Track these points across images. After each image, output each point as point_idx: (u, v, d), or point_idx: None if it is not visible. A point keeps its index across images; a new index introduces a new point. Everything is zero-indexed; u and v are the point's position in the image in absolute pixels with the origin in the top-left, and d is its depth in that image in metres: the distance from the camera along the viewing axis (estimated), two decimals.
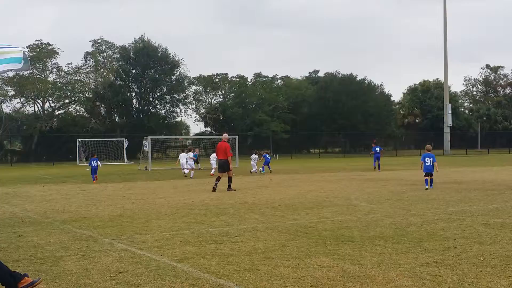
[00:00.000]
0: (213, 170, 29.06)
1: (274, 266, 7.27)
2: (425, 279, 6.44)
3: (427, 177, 19.21)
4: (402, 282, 6.32)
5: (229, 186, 19.72)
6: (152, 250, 8.53)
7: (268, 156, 33.81)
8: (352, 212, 12.80)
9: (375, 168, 33.44)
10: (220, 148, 19.84)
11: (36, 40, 70.82)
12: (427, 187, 18.93)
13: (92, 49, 73.25)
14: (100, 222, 11.87)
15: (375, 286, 6.19)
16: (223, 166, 19.70)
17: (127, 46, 75.26)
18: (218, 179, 19.90)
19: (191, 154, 31.19)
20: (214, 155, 29.54)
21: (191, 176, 28.92)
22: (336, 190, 19.17)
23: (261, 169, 32.91)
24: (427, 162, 19.26)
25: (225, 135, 20.67)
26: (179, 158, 32.65)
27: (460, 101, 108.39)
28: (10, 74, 62.42)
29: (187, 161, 30.44)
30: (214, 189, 19.36)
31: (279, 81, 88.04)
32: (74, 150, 55.22)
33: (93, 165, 26.68)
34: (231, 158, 20.07)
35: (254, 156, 33.40)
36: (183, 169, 30.59)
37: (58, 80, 71.11)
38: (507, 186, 19.58)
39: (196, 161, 33.32)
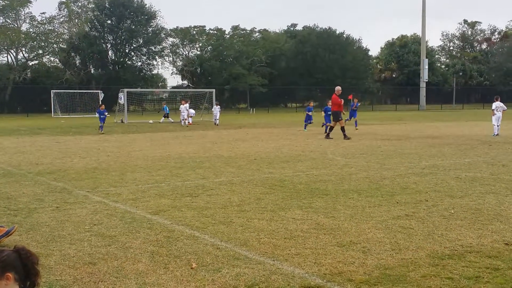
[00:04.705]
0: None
1: (249, 219, 7.34)
2: (396, 232, 6.57)
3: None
4: (374, 234, 6.44)
5: (328, 134, 22.19)
6: (127, 203, 8.54)
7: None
8: (327, 166, 12.91)
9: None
10: (333, 100, 22.46)
11: None
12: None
13: None
14: (75, 174, 11.81)
15: (347, 238, 6.30)
16: (335, 116, 22.26)
17: None
18: (331, 129, 22.38)
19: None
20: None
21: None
22: (312, 144, 19.29)
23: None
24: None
25: (338, 88, 22.48)
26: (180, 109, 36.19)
27: (436, 56, 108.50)
28: None
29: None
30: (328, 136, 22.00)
31: (257, 34, 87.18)
32: (49, 101, 54.47)
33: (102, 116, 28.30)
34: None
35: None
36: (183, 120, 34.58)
37: (31, 30, 69.53)
38: (479, 141, 19.88)
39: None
